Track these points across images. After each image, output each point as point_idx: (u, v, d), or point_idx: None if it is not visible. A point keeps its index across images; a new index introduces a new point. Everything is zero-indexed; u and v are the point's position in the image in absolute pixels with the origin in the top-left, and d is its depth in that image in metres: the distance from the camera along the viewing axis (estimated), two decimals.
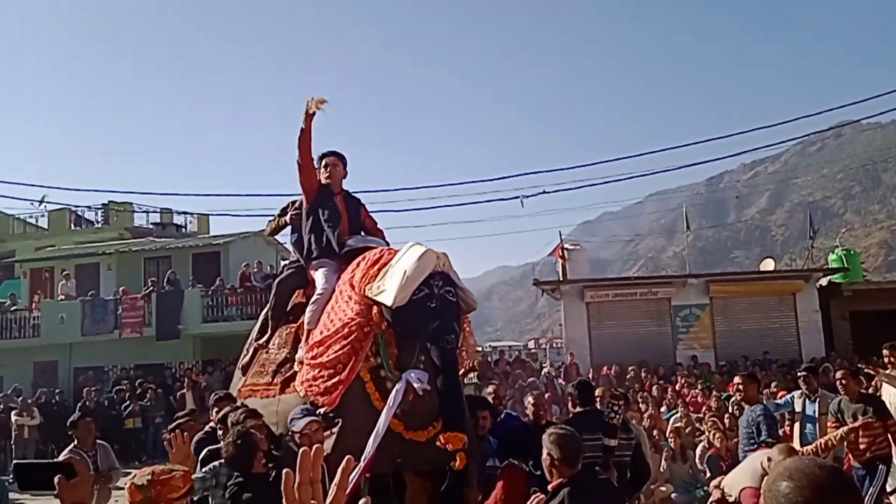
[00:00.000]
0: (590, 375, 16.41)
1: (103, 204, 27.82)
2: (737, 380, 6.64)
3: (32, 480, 1.97)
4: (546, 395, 14.72)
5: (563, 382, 15.80)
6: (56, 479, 1.90)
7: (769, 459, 4.48)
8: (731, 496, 4.57)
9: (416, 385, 4.56)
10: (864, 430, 5.97)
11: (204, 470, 4.13)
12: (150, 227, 28.73)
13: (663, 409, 11.57)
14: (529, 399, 5.99)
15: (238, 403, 5.53)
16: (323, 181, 5.67)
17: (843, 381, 6.32)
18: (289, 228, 6.09)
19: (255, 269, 20.78)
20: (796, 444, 6.38)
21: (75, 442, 6.24)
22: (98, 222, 29.40)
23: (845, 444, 6.11)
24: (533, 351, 31.52)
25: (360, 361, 4.71)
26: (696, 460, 8.66)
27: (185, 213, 29.17)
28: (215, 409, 5.36)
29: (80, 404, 16.36)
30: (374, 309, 4.69)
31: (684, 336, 19.23)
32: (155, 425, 16.39)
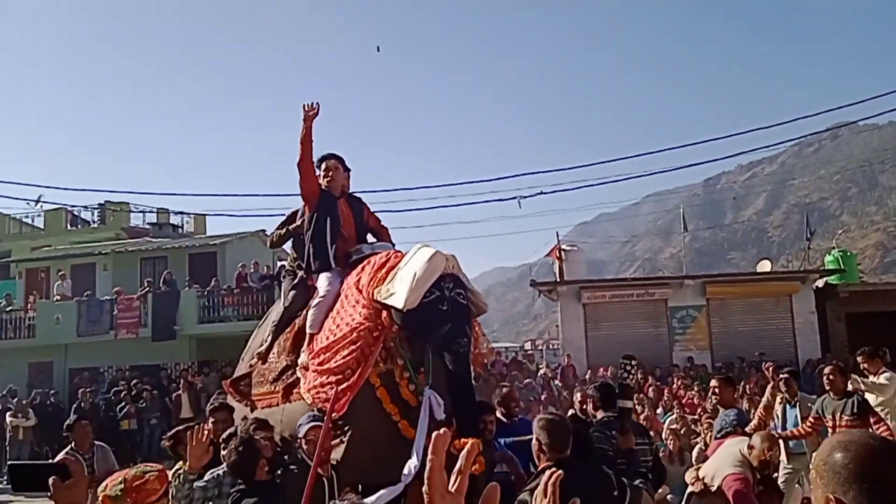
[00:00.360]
0: (587, 377, 16.41)
1: (99, 204, 27.80)
2: (713, 383, 6.64)
3: (27, 482, 1.95)
4: (542, 397, 14.73)
5: (560, 384, 15.81)
6: (50, 481, 1.89)
7: (750, 447, 4.55)
8: (712, 485, 4.53)
9: (437, 410, 4.43)
10: (850, 428, 5.96)
11: (206, 478, 4.05)
12: (147, 227, 28.68)
13: (659, 410, 11.57)
14: (577, 397, 5.75)
15: (242, 413, 5.48)
16: (324, 186, 5.55)
17: (831, 377, 6.36)
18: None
19: (252, 270, 20.76)
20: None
21: (72, 445, 6.20)
22: (94, 222, 29.35)
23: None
24: (530, 352, 31.54)
25: (370, 367, 4.60)
26: (693, 462, 8.65)
27: (181, 213, 29.12)
28: (212, 420, 5.25)
29: (75, 405, 16.33)
30: (384, 313, 4.60)
31: (681, 337, 19.25)
32: (151, 427, 16.35)
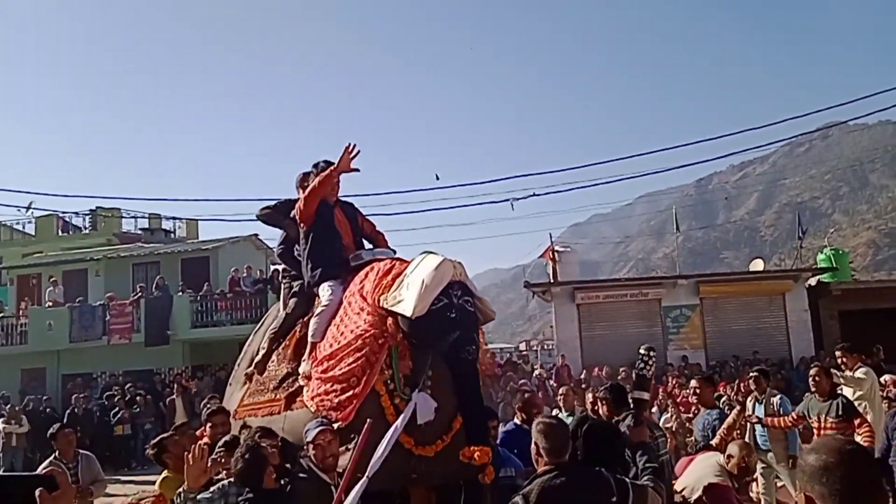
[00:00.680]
0: (581, 377, 16.41)
1: (91, 210, 27.63)
2: (693, 383, 6.68)
3: (12, 494, 1.91)
4: (539, 395, 14.72)
5: (555, 384, 15.80)
6: (37, 493, 1.85)
7: (729, 456, 4.72)
8: (691, 497, 4.53)
9: (419, 418, 4.35)
10: (835, 429, 6.05)
11: (211, 490, 3.94)
12: (139, 232, 28.56)
13: (654, 409, 11.57)
14: (589, 397, 5.59)
15: (238, 420, 5.35)
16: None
17: (816, 379, 6.44)
18: (277, 234, 5.93)
19: (245, 274, 20.71)
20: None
21: (56, 454, 6.10)
22: (86, 228, 29.24)
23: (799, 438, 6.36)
24: (524, 353, 31.55)
25: (376, 374, 4.51)
26: None
27: (173, 218, 29.02)
28: (209, 425, 5.19)
29: (68, 411, 16.24)
30: (389, 320, 4.51)
31: (675, 337, 19.29)
32: (144, 432, 16.26)
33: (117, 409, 16.65)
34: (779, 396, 7.48)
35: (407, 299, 4.39)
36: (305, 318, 5.28)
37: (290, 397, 4.95)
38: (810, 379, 6.55)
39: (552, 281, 20.86)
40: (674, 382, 14.45)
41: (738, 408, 6.51)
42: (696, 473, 4.74)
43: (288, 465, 4.28)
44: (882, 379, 8.79)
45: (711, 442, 5.63)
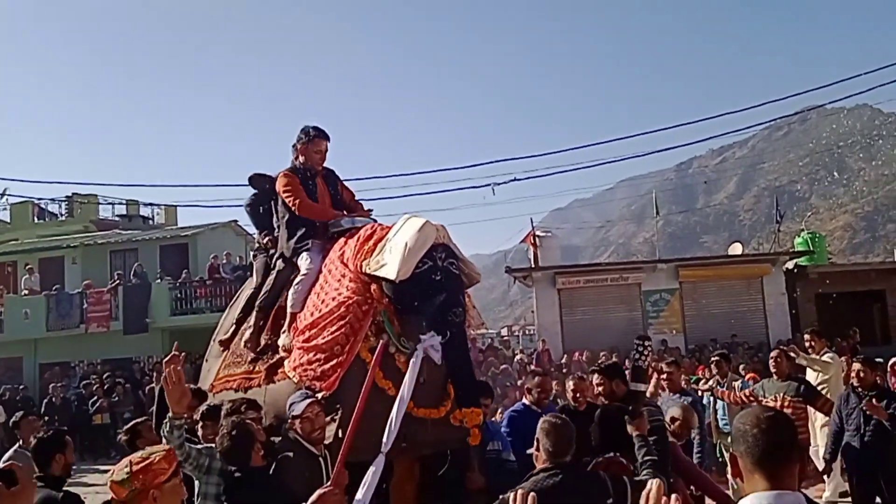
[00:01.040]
0: (562, 361, 16.48)
1: (67, 196, 27.26)
2: (664, 367, 6.79)
3: None
4: (518, 382, 14.77)
5: (537, 368, 15.86)
6: None
7: (673, 419, 5.02)
8: None
9: (434, 355, 4.26)
10: (791, 408, 6.21)
11: (199, 447, 3.85)
12: (116, 219, 28.23)
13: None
14: (570, 385, 5.43)
15: (215, 394, 5.22)
16: (304, 162, 5.29)
17: (777, 360, 6.61)
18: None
19: (224, 261, 20.56)
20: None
21: (20, 442, 5.98)
22: (62, 215, 28.81)
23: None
24: (506, 338, 31.66)
25: (360, 342, 4.41)
26: None
27: (151, 204, 28.64)
28: (201, 426, 5.07)
29: (45, 401, 16.07)
30: (373, 286, 4.42)
31: (654, 321, 19.42)
32: (124, 420, 16.09)
33: (95, 398, 16.50)
34: (740, 381, 7.91)
35: (390, 263, 4.30)
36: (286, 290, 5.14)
37: (271, 369, 4.83)
38: (770, 360, 6.74)
39: (533, 266, 20.91)
40: (652, 367, 14.56)
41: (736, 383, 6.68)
42: None
43: (273, 439, 4.15)
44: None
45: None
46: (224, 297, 19.71)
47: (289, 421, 4.05)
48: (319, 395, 4.19)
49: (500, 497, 3.18)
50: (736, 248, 23.77)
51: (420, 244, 4.30)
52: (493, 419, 6.04)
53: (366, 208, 5.71)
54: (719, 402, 7.94)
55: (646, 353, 4.59)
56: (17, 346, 20.63)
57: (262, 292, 5.30)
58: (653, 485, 1.99)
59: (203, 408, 4.61)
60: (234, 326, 5.60)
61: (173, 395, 3.62)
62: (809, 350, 7.96)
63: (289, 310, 4.88)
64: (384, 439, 3.94)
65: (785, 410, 6.09)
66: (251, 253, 22.54)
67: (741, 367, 11.79)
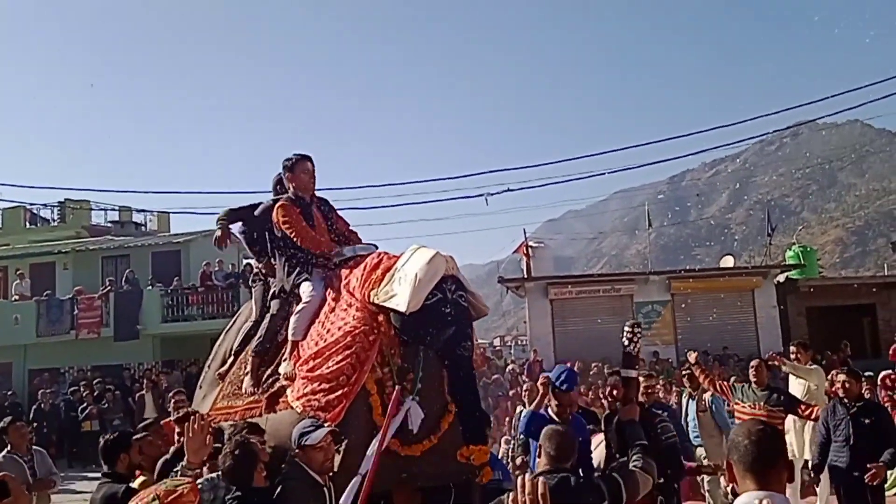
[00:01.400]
0: (539, 381, 16.45)
1: (59, 202, 27.17)
2: (642, 381, 6.80)
3: None
4: (510, 393, 14.77)
5: (527, 379, 15.86)
6: None
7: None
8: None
9: (410, 424, 4.21)
10: (766, 415, 6.30)
11: (200, 481, 3.75)
12: (108, 225, 28.13)
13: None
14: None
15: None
16: (295, 192, 5.19)
17: (757, 370, 6.75)
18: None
19: (217, 269, 20.50)
20: None
21: (9, 447, 5.94)
22: (54, 220, 28.67)
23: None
24: (498, 348, 31.62)
25: (366, 372, 4.34)
26: None
27: (144, 210, 28.62)
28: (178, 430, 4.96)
29: (34, 407, 15.97)
30: (380, 316, 4.38)
31: (646, 332, 19.44)
32: (113, 427, 16.02)
33: (85, 404, 16.40)
34: (710, 393, 7.94)
35: (400, 294, 4.22)
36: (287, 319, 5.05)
37: (272, 398, 4.72)
38: (751, 369, 6.86)
39: (526, 276, 20.94)
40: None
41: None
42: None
43: (283, 466, 4.04)
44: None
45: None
46: (216, 304, 19.67)
47: (295, 450, 3.96)
48: (326, 426, 4.10)
49: (497, 499, 3.24)
50: (728, 261, 23.87)
51: (430, 276, 4.24)
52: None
53: (365, 241, 5.54)
54: (690, 415, 8.20)
55: (636, 339, 4.50)
56: (7, 352, 20.48)
57: (258, 337, 5.19)
58: (526, 480, 2.11)
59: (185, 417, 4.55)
60: (231, 358, 5.50)
61: (193, 443, 3.60)
62: (795, 362, 8.06)
63: (290, 338, 4.80)
64: (362, 465, 3.91)
65: (760, 418, 6.18)
66: (244, 261, 22.60)
67: (732, 379, 11.83)
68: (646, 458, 3.96)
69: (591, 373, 15.61)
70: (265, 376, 4.94)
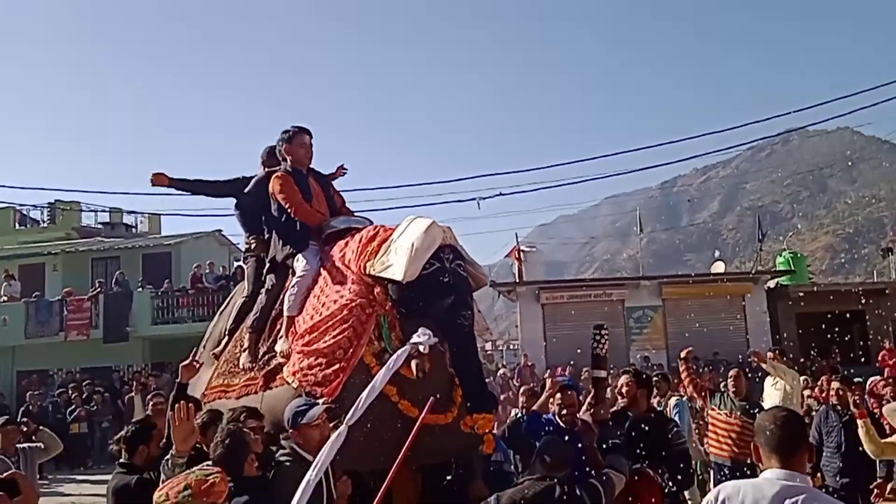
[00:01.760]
0: (545, 376, 16.46)
1: (49, 203, 27.03)
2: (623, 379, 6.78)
3: None
4: (501, 397, 14.76)
5: (518, 384, 15.85)
6: None
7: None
8: None
9: (421, 339, 3.94)
10: (741, 426, 6.23)
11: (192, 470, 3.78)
12: (99, 226, 28.01)
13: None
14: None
15: (206, 402, 4.98)
16: (293, 165, 5.13)
17: (736, 379, 6.69)
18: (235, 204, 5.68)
19: (207, 271, 20.44)
20: None
21: None
22: (44, 221, 28.53)
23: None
24: (489, 353, 31.62)
25: (363, 346, 4.23)
26: None
27: (134, 212, 28.47)
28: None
29: (22, 409, 15.82)
30: (377, 288, 4.25)
31: (637, 337, 19.50)
32: (102, 430, 15.92)
33: (73, 406, 16.27)
34: (674, 399, 8.29)
35: (396, 264, 4.11)
36: (282, 294, 4.95)
37: (269, 375, 4.61)
38: (730, 379, 6.79)
39: (517, 281, 20.95)
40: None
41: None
42: None
43: (273, 448, 3.91)
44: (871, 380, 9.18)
45: None
46: (207, 306, 19.57)
47: (290, 431, 3.80)
48: (321, 402, 3.97)
49: (484, 501, 3.28)
50: (719, 267, 23.95)
51: (427, 245, 4.13)
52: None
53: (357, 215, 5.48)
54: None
55: (603, 341, 4.65)
56: None
57: (254, 312, 5.08)
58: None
59: (203, 416, 4.36)
60: (226, 338, 5.42)
61: (180, 432, 3.53)
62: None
63: (286, 313, 4.70)
64: (349, 414, 3.63)
65: (734, 426, 6.25)
66: (234, 263, 22.47)
67: (721, 384, 11.85)
68: (619, 458, 4.05)
69: (583, 378, 15.59)
70: (262, 353, 4.83)
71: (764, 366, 8.03)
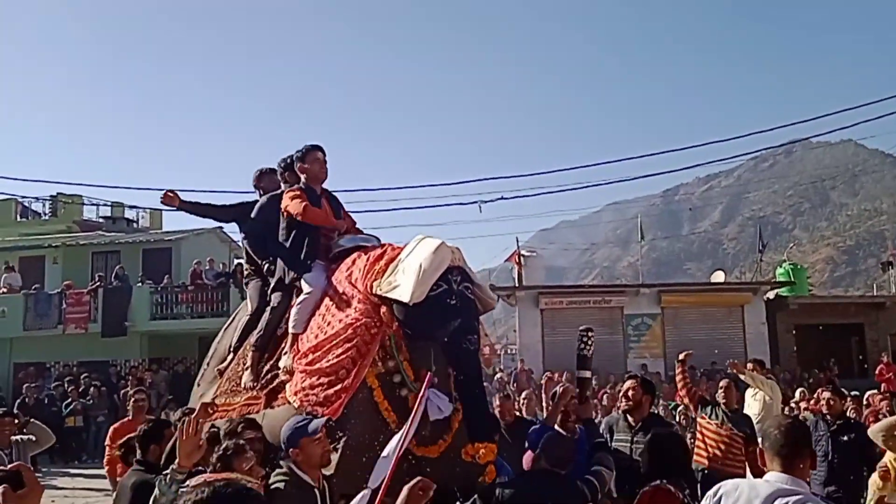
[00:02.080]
0: (542, 382, 16.46)
1: (52, 195, 27.01)
2: (629, 383, 6.70)
3: None
4: (496, 404, 14.75)
5: (514, 388, 15.85)
6: (0, 490, 1.71)
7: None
8: None
9: (433, 415, 3.99)
10: (729, 438, 6.11)
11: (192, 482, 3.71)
12: (100, 220, 27.95)
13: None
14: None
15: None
16: (307, 182, 5.10)
17: (726, 391, 6.60)
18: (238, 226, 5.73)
19: (208, 268, 20.44)
20: None
21: None
22: (45, 214, 28.52)
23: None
24: (487, 357, 31.58)
25: (367, 366, 4.17)
26: None
27: (136, 207, 28.43)
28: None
29: (18, 401, 15.83)
30: (383, 308, 4.19)
31: (636, 345, 19.49)
32: (97, 424, 15.92)
33: (70, 399, 16.29)
34: (715, 405, 7.92)
35: (403, 284, 4.06)
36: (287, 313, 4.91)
37: (271, 394, 4.57)
38: (720, 390, 6.71)
39: (517, 285, 20.95)
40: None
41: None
42: None
43: (267, 470, 3.82)
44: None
45: None
46: (205, 303, 19.59)
47: (290, 451, 3.68)
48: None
49: (473, 498, 3.33)
50: (718, 276, 23.94)
51: (435, 266, 4.08)
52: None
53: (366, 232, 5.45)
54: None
55: (590, 343, 4.69)
56: None
57: (258, 330, 5.06)
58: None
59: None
60: (231, 355, 5.39)
61: (186, 447, 3.43)
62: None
63: (290, 330, 4.66)
64: (372, 476, 3.62)
65: (723, 438, 6.15)
66: (235, 260, 22.44)
67: (717, 393, 11.84)
68: (606, 456, 4.19)
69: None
70: (264, 371, 4.80)
71: (742, 377, 8.06)
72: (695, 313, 19.90)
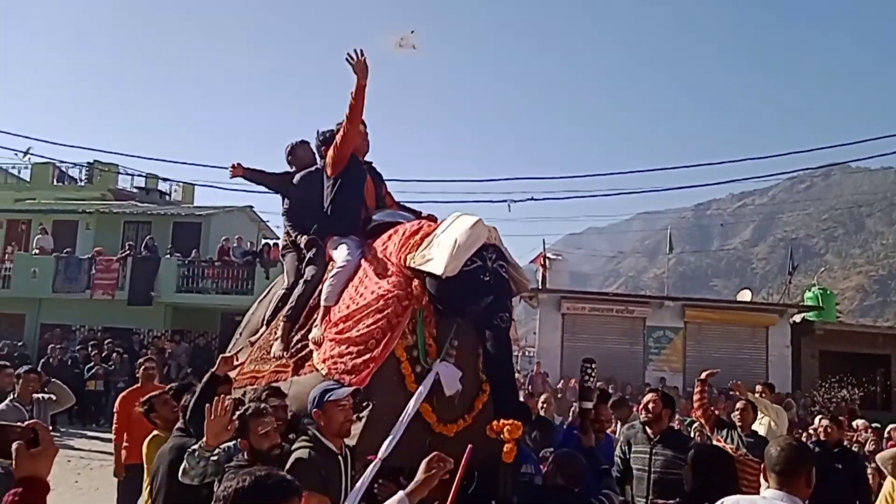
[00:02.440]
0: (559, 386, 16.41)
1: (88, 162, 27.46)
2: (649, 397, 6.60)
3: None
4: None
5: (529, 390, 15.80)
6: (14, 447, 1.69)
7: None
8: None
9: (446, 389, 4.01)
10: (740, 464, 6.07)
11: (215, 451, 3.58)
12: (134, 190, 28.38)
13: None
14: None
15: (237, 388, 4.96)
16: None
17: (742, 412, 6.56)
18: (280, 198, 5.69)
19: (235, 245, 20.65)
20: None
21: (14, 394, 6.01)
22: (81, 180, 29.00)
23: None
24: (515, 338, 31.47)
25: (397, 338, 4.13)
26: None
27: (170, 180, 28.78)
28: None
29: (42, 361, 16.13)
30: (416, 281, 4.18)
31: (655, 357, 19.31)
32: (117, 389, 16.12)
33: (92, 363, 16.56)
34: (732, 430, 7.85)
35: (437, 258, 4.04)
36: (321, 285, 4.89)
37: (299, 362, 4.57)
38: (736, 412, 6.67)
39: (540, 287, 20.86)
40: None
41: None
42: None
43: (292, 435, 3.85)
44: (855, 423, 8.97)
45: None
46: (231, 280, 19.80)
47: (312, 412, 3.65)
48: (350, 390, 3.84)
49: (476, 480, 3.38)
50: (745, 295, 23.61)
51: (471, 242, 4.06)
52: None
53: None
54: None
55: (592, 374, 4.80)
56: (22, 304, 20.77)
57: (290, 302, 5.03)
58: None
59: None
60: (263, 327, 5.42)
61: (214, 426, 3.46)
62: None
63: (322, 303, 4.65)
64: (383, 447, 3.69)
65: (738, 457, 6.11)
66: (262, 240, 22.58)
67: (733, 413, 11.69)
68: (610, 481, 4.29)
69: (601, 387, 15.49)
70: (294, 341, 4.79)
71: (752, 398, 7.90)
72: (718, 330, 19.65)
